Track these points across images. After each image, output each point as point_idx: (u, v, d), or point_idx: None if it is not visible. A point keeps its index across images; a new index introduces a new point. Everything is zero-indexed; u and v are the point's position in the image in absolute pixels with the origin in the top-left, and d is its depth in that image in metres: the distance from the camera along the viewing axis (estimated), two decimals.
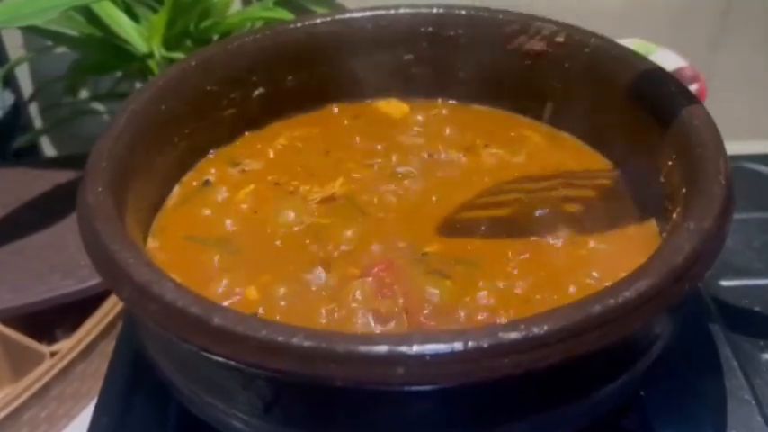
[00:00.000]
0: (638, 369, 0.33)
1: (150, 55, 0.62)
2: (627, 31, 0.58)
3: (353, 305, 0.34)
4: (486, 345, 0.26)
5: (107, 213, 0.33)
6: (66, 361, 0.55)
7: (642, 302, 0.28)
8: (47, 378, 0.53)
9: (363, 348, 0.26)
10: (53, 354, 0.55)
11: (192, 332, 0.28)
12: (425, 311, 0.34)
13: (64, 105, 0.74)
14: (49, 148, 0.84)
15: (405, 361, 0.26)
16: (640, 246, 0.37)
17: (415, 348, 0.26)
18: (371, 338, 0.26)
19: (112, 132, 0.37)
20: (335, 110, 0.50)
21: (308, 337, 0.26)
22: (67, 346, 0.55)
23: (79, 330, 0.56)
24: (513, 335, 0.26)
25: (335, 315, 0.34)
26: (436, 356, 0.26)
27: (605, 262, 0.37)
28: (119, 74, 0.71)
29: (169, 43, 0.62)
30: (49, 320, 0.58)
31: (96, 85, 0.77)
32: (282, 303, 0.35)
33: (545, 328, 0.26)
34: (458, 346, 0.26)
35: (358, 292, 0.35)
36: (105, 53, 0.64)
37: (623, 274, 0.30)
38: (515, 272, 0.36)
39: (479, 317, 0.34)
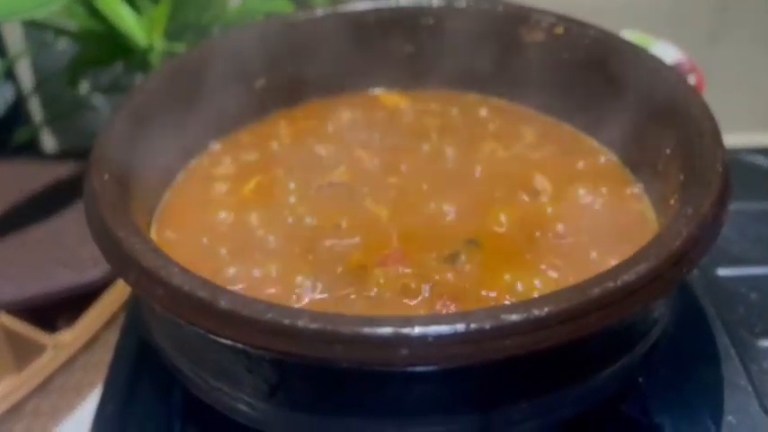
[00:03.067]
0: (637, 353, 0.34)
1: (151, 48, 0.61)
2: (625, 24, 0.58)
3: (376, 290, 0.35)
4: (487, 326, 0.26)
5: (113, 200, 0.33)
6: (68, 352, 0.55)
7: (641, 286, 0.28)
8: (49, 370, 0.53)
9: (367, 330, 0.26)
10: (55, 345, 0.55)
11: (200, 315, 0.28)
12: (446, 292, 0.35)
13: (64, 99, 0.74)
14: (49, 142, 0.84)
15: (408, 342, 0.26)
16: (638, 232, 0.38)
17: (418, 330, 0.26)
18: (376, 320, 0.27)
19: (117, 122, 0.38)
20: (337, 101, 0.50)
21: (314, 320, 0.27)
22: (70, 337, 0.55)
23: (81, 321, 0.56)
24: (515, 317, 0.27)
25: (363, 300, 0.35)
26: (439, 338, 0.26)
27: (604, 248, 0.37)
28: (120, 67, 0.71)
29: (170, 36, 0.62)
30: (51, 310, 0.58)
31: (97, 79, 0.77)
32: (304, 295, 0.35)
33: (546, 310, 0.27)
34: (460, 327, 0.26)
35: (381, 280, 0.35)
36: (106, 46, 0.64)
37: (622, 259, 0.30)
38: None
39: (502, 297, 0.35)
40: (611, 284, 0.28)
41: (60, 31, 0.65)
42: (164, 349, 0.35)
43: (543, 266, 0.37)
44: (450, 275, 0.36)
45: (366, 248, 0.38)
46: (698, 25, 0.77)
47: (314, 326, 0.27)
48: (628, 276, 0.28)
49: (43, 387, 0.53)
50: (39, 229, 0.61)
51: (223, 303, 0.28)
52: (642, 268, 0.28)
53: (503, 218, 0.40)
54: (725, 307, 0.46)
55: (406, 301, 0.35)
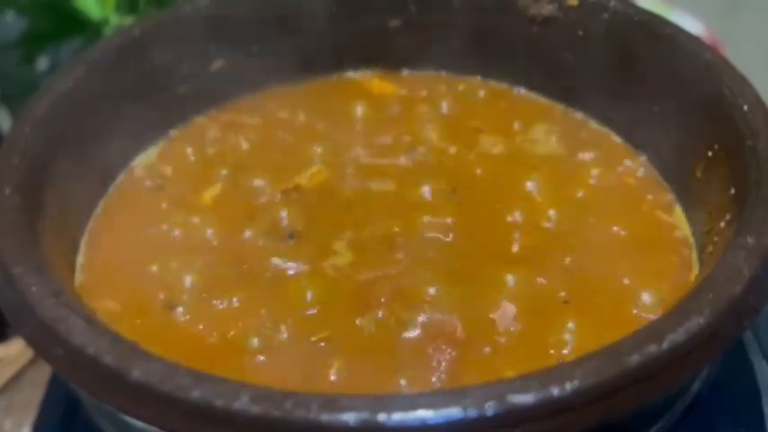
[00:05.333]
0: (675, 412, 0.27)
1: (105, 21, 0.55)
2: None
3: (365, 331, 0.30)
4: (490, 412, 0.20)
5: (13, 224, 0.27)
6: (15, 367, 0.51)
7: (693, 347, 0.22)
8: None
9: (326, 417, 0.20)
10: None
11: (106, 388, 0.21)
12: (442, 335, 0.29)
13: (20, 76, 0.68)
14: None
15: None
16: (672, 258, 0.32)
17: (396, 417, 0.20)
18: (339, 403, 0.20)
19: (29, 119, 0.31)
20: (312, 86, 0.44)
21: (256, 401, 0.20)
22: (16, 349, 0.51)
23: None
24: (527, 398, 0.20)
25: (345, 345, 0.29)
26: (424, 428, 0.20)
27: (633, 274, 0.31)
28: (81, 42, 0.65)
29: (128, 7, 0.55)
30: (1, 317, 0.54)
31: (57, 55, 0.71)
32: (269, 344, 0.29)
33: (567, 387, 0.20)
34: (454, 413, 0.20)
35: (373, 329, 0.30)
36: (56, 20, 0.59)
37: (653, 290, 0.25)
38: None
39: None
40: (653, 348, 0.21)
41: (4, 3, 0.59)
42: (87, 407, 0.28)
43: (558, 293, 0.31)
44: (447, 308, 0.31)
45: (342, 278, 0.32)
46: None
47: (256, 409, 0.20)
48: (676, 336, 0.21)
49: None
50: None
51: (136, 374, 0.21)
52: (694, 324, 0.21)
53: (508, 234, 0.34)
54: (764, 330, 0.40)
55: (398, 335, 0.29)
